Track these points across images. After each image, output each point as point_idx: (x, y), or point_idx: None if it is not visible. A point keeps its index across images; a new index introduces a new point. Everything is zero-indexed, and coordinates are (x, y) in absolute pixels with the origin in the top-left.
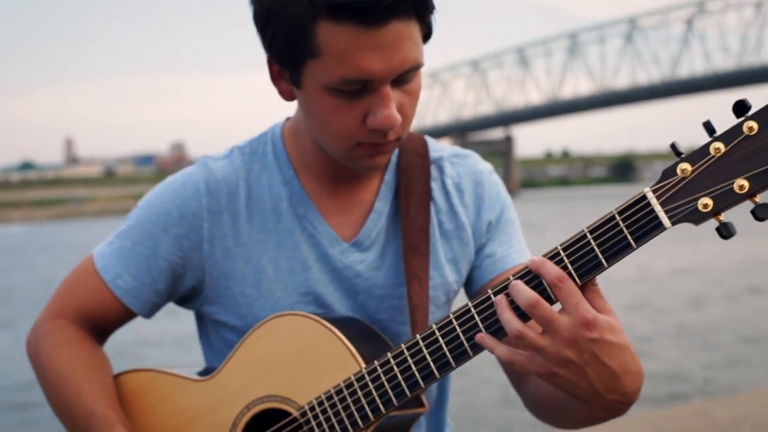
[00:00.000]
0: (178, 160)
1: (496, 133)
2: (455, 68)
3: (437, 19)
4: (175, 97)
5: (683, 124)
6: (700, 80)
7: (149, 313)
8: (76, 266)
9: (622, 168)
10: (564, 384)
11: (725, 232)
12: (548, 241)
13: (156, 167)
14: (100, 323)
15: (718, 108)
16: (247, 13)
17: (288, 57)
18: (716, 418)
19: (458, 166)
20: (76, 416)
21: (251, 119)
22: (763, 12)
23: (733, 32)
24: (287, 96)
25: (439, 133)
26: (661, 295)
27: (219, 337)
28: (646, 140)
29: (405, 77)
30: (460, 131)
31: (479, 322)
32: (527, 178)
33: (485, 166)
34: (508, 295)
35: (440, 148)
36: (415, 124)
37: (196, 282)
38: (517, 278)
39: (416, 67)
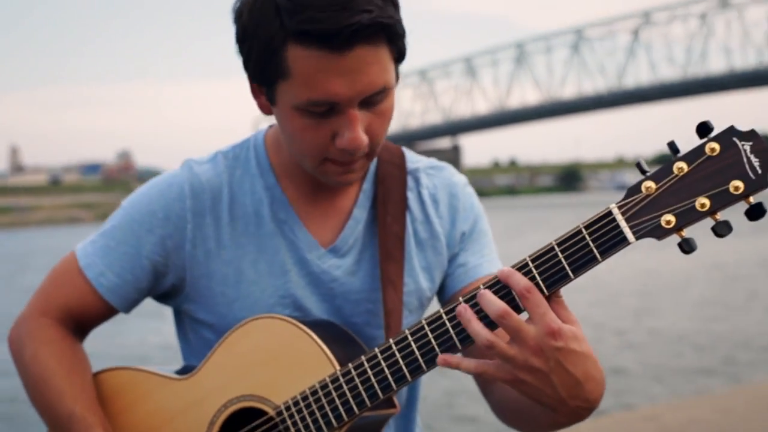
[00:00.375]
0: (124, 168)
1: (444, 143)
2: (403, 78)
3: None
4: (122, 106)
5: (629, 134)
6: (645, 90)
7: (129, 309)
8: (57, 264)
9: (569, 177)
10: (530, 390)
11: (687, 247)
12: (501, 249)
13: (102, 176)
14: (83, 320)
15: (663, 118)
16: (194, 22)
17: (262, 76)
18: (665, 421)
19: (434, 177)
20: (57, 416)
21: (199, 128)
22: (707, 23)
23: (678, 43)
24: (265, 110)
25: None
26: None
27: (197, 335)
28: (592, 150)
29: (373, 99)
30: (407, 140)
31: (450, 329)
32: (475, 187)
33: (460, 179)
34: (476, 305)
35: (417, 159)
36: None
37: (177, 281)
38: (486, 288)
39: (384, 90)
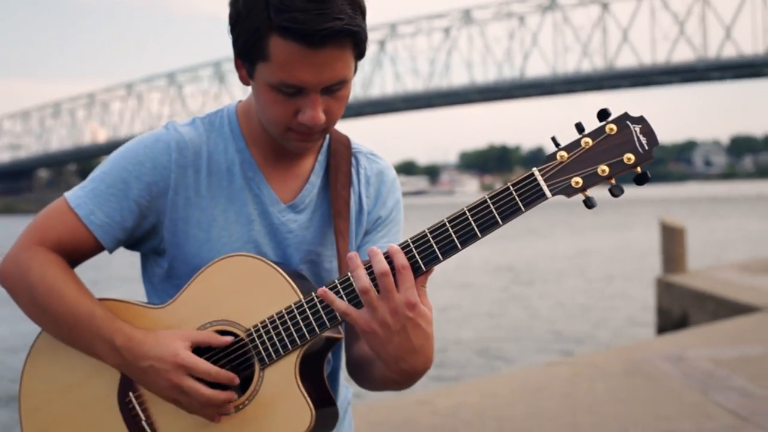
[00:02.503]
0: None
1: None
2: (151, 80)
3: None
4: None
5: (374, 143)
6: (390, 100)
7: (113, 248)
8: (47, 208)
9: None
10: (376, 341)
11: (589, 204)
12: None
13: None
14: (73, 254)
15: (407, 128)
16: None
17: (246, 55)
18: (437, 405)
19: (372, 163)
20: (75, 318)
21: None
22: (451, 38)
23: (422, 56)
24: (245, 81)
25: None
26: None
27: (162, 276)
28: None
29: (333, 87)
30: None
31: (343, 293)
32: None
33: (392, 172)
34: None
35: (359, 146)
36: (110, 136)
37: (157, 223)
38: (385, 251)
39: (343, 82)
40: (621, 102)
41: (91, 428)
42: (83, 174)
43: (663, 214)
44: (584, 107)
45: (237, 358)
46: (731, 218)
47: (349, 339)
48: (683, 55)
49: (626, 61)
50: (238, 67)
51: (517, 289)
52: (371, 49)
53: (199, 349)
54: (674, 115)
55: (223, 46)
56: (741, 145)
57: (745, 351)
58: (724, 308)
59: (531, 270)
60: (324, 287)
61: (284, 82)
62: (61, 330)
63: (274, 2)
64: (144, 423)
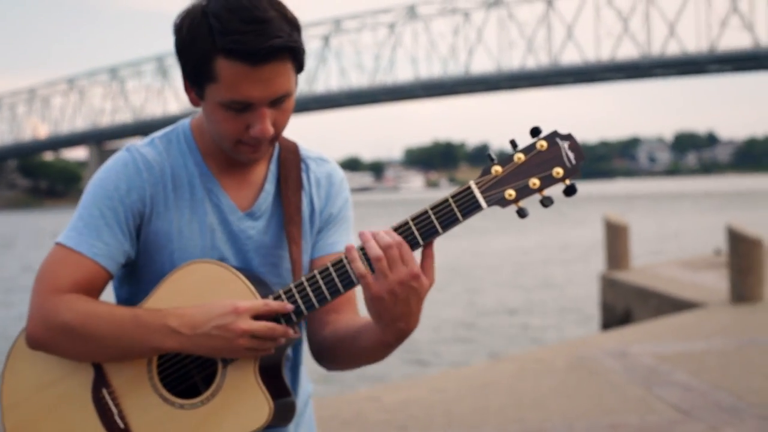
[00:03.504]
0: None
1: (134, 142)
2: (93, 75)
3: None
4: None
5: (319, 138)
6: (335, 96)
7: (116, 272)
8: (44, 261)
9: None
10: (381, 306)
11: (522, 214)
12: None
13: None
14: (89, 291)
15: (352, 123)
16: None
17: (195, 79)
18: (386, 401)
19: (321, 166)
20: (120, 328)
21: None
22: (396, 33)
23: (367, 51)
24: (194, 103)
25: (75, 140)
26: None
27: (134, 280)
28: None
29: (279, 100)
30: (97, 139)
31: (348, 268)
32: None
33: (339, 173)
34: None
35: (308, 151)
36: (51, 131)
37: (140, 239)
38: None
39: (287, 95)
40: (565, 98)
41: (67, 423)
42: (24, 170)
43: (607, 211)
44: (529, 103)
45: (201, 357)
46: (675, 215)
47: (321, 326)
48: (627, 52)
49: (570, 57)
50: (187, 90)
51: (461, 287)
52: (316, 44)
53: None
54: (618, 111)
55: (167, 41)
56: (684, 142)
57: (687, 346)
58: (666, 304)
59: (475, 268)
60: (349, 244)
61: (234, 99)
62: (111, 348)
63: (216, 27)
64: (116, 417)
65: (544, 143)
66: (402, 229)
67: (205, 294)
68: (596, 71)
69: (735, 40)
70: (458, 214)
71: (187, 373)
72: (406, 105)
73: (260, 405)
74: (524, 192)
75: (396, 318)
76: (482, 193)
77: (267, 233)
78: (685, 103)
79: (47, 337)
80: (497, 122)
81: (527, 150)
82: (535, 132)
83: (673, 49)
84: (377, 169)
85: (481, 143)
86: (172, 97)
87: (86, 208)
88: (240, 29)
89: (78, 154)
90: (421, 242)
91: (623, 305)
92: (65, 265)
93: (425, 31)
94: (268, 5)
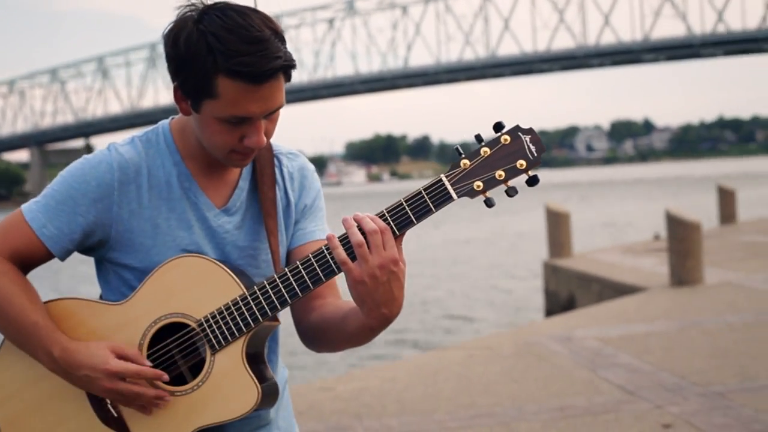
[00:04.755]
0: None
1: (77, 143)
2: (33, 77)
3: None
4: None
5: None
6: None
7: (64, 257)
8: (5, 219)
9: None
10: (363, 290)
11: (489, 203)
12: None
13: None
14: (26, 262)
15: (294, 120)
16: None
17: (192, 94)
18: (339, 391)
19: (292, 161)
20: (21, 326)
21: None
22: (335, 28)
23: (307, 47)
24: (185, 113)
25: (15, 143)
26: None
27: (117, 276)
28: None
29: (272, 113)
30: (38, 141)
31: (329, 259)
32: None
33: (310, 166)
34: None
35: (279, 147)
36: None
37: (104, 236)
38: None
39: (281, 107)
40: (504, 89)
41: (61, 413)
42: None
43: (548, 200)
44: (468, 95)
45: (190, 346)
46: (613, 202)
47: (307, 312)
48: (563, 42)
49: (508, 49)
50: (178, 100)
51: (407, 276)
52: None
53: (158, 339)
54: (556, 101)
55: (107, 42)
56: (621, 130)
57: (630, 329)
58: (608, 289)
59: (418, 257)
60: (330, 233)
61: (234, 115)
62: (10, 336)
63: (217, 47)
64: (109, 405)
65: (508, 137)
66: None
67: (191, 287)
68: (533, 62)
69: (668, 29)
70: (431, 205)
71: (174, 362)
72: (347, 100)
73: (249, 389)
74: (491, 183)
75: (379, 303)
76: (452, 185)
77: (243, 228)
78: (622, 91)
79: None
80: (437, 115)
81: (492, 144)
82: (498, 127)
83: (608, 39)
84: (319, 164)
85: (422, 135)
86: (113, 97)
87: (53, 189)
88: (242, 50)
89: (20, 156)
90: (396, 233)
91: (566, 292)
92: (14, 232)
93: (364, 26)
94: (261, 24)
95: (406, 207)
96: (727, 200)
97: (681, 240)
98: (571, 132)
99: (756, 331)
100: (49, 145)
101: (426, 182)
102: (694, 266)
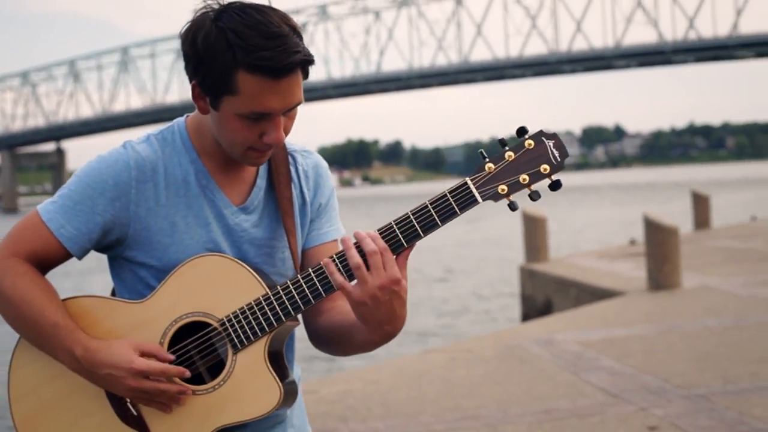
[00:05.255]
0: None
1: (48, 147)
2: (4, 80)
3: None
4: None
5: None
6: None
7: (82, 256)
8: (21, 220)
9: None
10: (366, 311)
11: (513, 207)
12: None
13: None
14: (45, 263)
15: None
16: None
17: (212, 91)
18: (323, 394)
19: (306, 158)
20: (41, 327)
21: None
22: (308, 33)
23: None
24: (203, 111)
25: None
26: None
27: (133, 274)
28: None
29: (291, 109)
30: (9, 145)
31: (341, 268)
32: None
33: (324, 164)
34: (357, 246)
35: (293, 145)
36: None
37: (121, 234)
38: (369, 234)
39: (300, 103)
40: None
41: (79, 410)
42: None
43: (524, 205)
44: (441, 101)
45: (209, 346)
46: (585, 208)
47: (316, 314)
48: (536, 48)
49: (480, 55)
50: (196, 98)
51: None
52: None
53: (178, 338)
54: (528, 107)
55: (78, 45)
56: (592, 136)
57: (610, 333)
58: (586, 293)
59: None
60: (326, 259)
61: (254, 111)
62: (30, 337)
63: (237, 43)
64: (128, 404)
65: (532, 142)
66: (403, 223)
67: (213, 286)
68: (506, 68)
69: (640, 36)
70: (456, 208)
71: (193, 362)
72: (319, 104)
73: (271, 389)
74: (515, 187)
75: (381, 321)
76: (477, 188)
77: (260, 226)
78: (593, 98)
79: None
80: (409, 120)
81: (516, 148)
82: (521, 131)
83: (580, 45)
84: None
85: (394, 141)
86: (84, 100)
87: (70, 189)
88: (262, 45)
89: None
90: (421, 234)
91: (543, 296)
92: (32, 234)
93: (337, 30)
94: (280, 20)
95: (431, 209)
96: (701, 206)
97: (659, 245)
98: None
99: (735, 335)
100: (20, 148)
101: (451, 185)
102: (672, 271)
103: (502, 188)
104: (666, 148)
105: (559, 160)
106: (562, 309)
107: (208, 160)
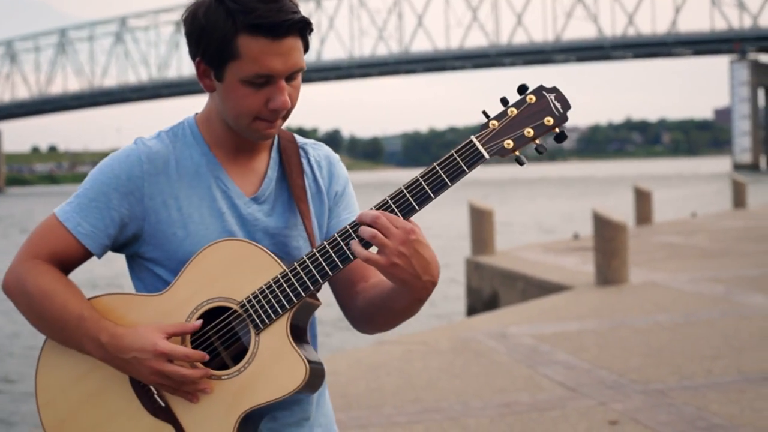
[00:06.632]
0: None
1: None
2: None
3: None
4: None
5: (172, 123)
6: (187, 82)
7: (101, 254)
8: (39, 224)
9: None
10: (398, 272)
11: (520, 161)
12: None
13: None
14: (65, 263)
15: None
16: None
17: (215, 60)
18: None
19: (317, 150)
20: (65, 321)
21: None
22: None
23: None
24: (209, 89)
25: None
26: None
27: (150, 273)
28: (134, 138)
29: (293, 76)
30: None
31: (354, 235)
32: (14, 174)
33: (335, 155)
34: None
35: (302, 139)
36: None
37: (137, 229)
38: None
39: (301, 69)
40: (416, 86)
41: (107, 408)
42: None
43: (470, 197)
44: (381, 90)
45: (229, 331)
46: (522, 200)
47: (352, 297)
48: (476, 41)
49: (421, 46)
50: (201, 76)
51: None
52: (169, 29)
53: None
54: (467, 99)
55: (16, 26)
56: None
57: (562, 327)
58: (533, 287)
59: None
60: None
61: (257, 73)
62: (56, 333)
63: (235, 8)
64: (156, 396)
65: (533, 97)
66: (412, 187)
67: (230, 270)
68: (446, 59)
69: (580, 31)
70: (463, 166)
71: (215, 349)
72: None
73: (297, 365)
74: (521, 141)
75: (418, 275)
76: (483, 144)
77: (272, 215)
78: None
79: (12, 294)
80: (349, 109)
81: (518, 104)
82: (522, 89)
83: (520, 39)
84: None
85: (333, 129)
86: (20, 82)
87: (84, 188)
88: (259, 8)
89: None
90: (432, 196)
91: (489, 289)
92: (50, 235)
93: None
94: None
95: (439, 170)
96: (643, 201)
97: (608, 240)
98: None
99: (686, 331)
100: None
101: (457, 146)
102: (620, 266)
103: (508, 143)
104: (603, 142)
105: (561, 111)
106: (508, 302)
107: (219, 152)
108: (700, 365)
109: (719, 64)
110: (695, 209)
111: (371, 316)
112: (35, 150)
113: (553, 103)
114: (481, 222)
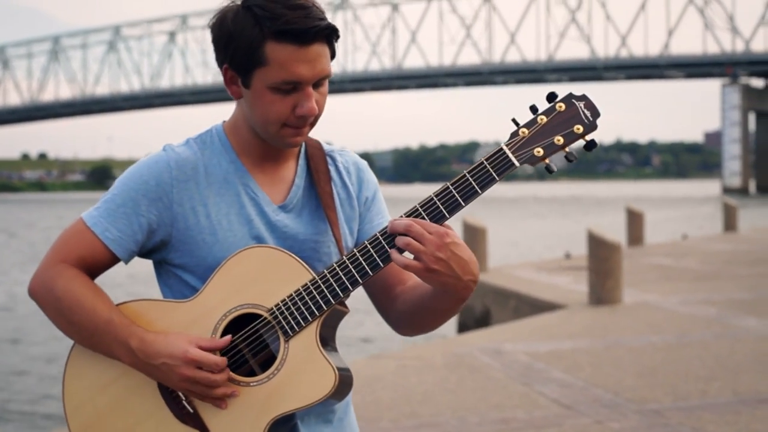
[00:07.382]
0: None
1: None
2: None
3: None
4: None
5: (163, 134)
6: (178, 92)
7: (128, 259)
8: (67, 228)
9: (100, 174)
10: (438, 276)
11: (550, 170)
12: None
13: None
14: (93, 267)
15: (196, 121)
16: None
17: (243, 66)
18: None
19: (344, 157)
20: (94, 325)
21: None
22: None
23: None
24: (236, 95)
25: None
26: None
27: (178, 280)
28: (125, 148)
29: (320, 82)
30: None
31: (385, 244)
32: (3, 180)
33: (364, 161)
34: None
35: (329, 147)
36: None
37: (166, 235)
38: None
39: (328, 76)
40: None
41: (135, 414)
42: None
43: (463, 214)
44: (373, 106)
45: (257, 338)
46: (513, 219)
47: (391, 301)
48: (469, 58)
49: (414, 62)
50: (228, 83)
51: None
52: (162, 39)
53: (229, 332)
54: (458, 116)
55: (9, 32)
56: None
57: (556, 345)
58: (525, 305)
59: None
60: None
61: (285, 80)
62: (84, 337)
63: (263, 15)
64: (184, 402)
65: (562, 105)
66: (443, 194)
67: (259, 277)
68: (438, 76)
69: (573, 51)
70: (494, 174)
71: (242, 356)
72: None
73: (326, 372)
74: (551, 149)
75: (459, 276)
76: (513, 153)
77: (301, 224)
78: (523, 110)
79: (40, 298)
80: (341, 123)
81: (548, 112)
82: (551, 97)
83: (513, 57)
84: None
85: (325, 143)
86: (12, 88)
87: (113, 194)
88: (287, 14)
89: None
90: (462, 203)
91: (481, 306)
92: (78, 240)
93: None
94: None
95: (469, 178)
96: (635, 222)
97: (603, 260)
98: (472, 147)
99: (680, 352)
100: None
101: (486, 153)
102: (614, 286)
103: (538, 151)
104: (593, 163)
105: (591, 119)
106: (500, 320)
107: (247, 159)
108: (695, 386)
109: (711, 87)
110: (686, 231)
111: (414, 318)
112: (25, 156)
113: (583, 111)
114: (474, 239)
